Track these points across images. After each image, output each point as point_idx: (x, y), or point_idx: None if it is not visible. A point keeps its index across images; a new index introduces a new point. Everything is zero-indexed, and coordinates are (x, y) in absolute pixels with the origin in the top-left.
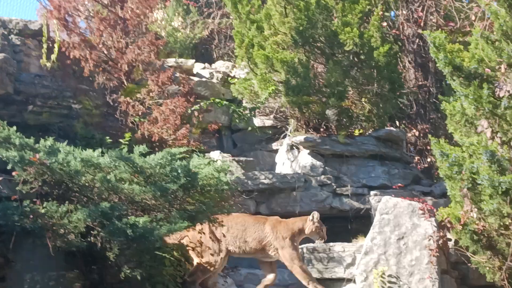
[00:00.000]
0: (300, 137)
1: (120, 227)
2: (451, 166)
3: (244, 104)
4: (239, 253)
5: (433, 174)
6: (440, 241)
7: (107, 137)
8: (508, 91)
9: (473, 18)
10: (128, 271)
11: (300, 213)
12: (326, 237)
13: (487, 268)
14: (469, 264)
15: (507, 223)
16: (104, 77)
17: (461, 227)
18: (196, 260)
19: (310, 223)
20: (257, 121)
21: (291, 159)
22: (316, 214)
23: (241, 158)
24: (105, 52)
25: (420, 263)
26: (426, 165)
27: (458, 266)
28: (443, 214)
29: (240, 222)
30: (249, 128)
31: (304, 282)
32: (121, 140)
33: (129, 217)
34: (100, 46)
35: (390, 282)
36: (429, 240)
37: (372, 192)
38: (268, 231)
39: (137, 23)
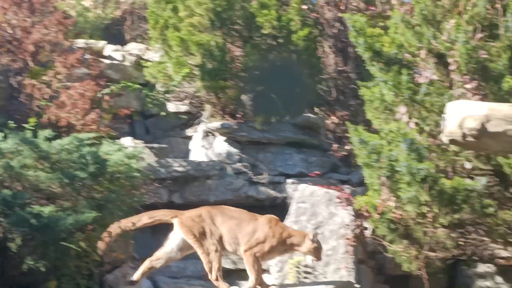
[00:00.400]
0: (216, 124)
1: (24, 217)
2: (369, 153)
3: (157, 89)
4: None
5: (351, 162)
6: (357, 230)
7: (11, 122)
8: (428, 78)
9: (394, 2)
10: (32, 263)
11: (215, 202)
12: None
13: (404, 257)
14: (385, 254)
15: (424, 211)
16: (8, 58)
17: (378, 216)
18: None
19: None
20: (171, 107)
21: (206, 146)
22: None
23: (154, 145)
24: (10, 31)
25: (337, 253)
26: (345, 153)
27: (375, 256)
28: (360, 203)
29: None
30: (163, 114)
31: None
32: (25, 125)
33: (33, 206)
34: (4, 25)
35: (305, 272)
36: (346, 229)
37: (289, 180)
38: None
39: (45, 1)
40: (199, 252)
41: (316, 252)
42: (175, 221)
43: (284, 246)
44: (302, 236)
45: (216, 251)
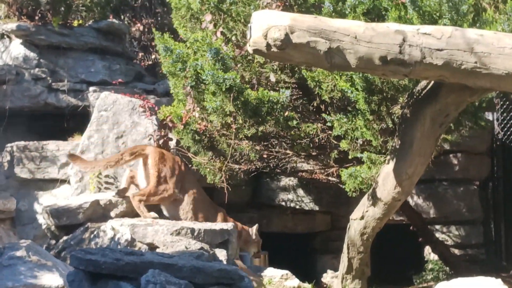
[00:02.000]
0: (12, 25)
1: None
2: (174, 62)
3: None
4: None
5: (157, 72)
6: (161, 141)
7: None
8: None
9: None
10: None
11: (10, 109)
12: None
13: (208, 169)
14: (190, 165)
15: (229, 122)
16: None
17: (182, 126)
18: None
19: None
20: None
21: (1, 49)
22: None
23: None
24: None
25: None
26: (150, 62)
27: None
28: (165, 113)
29: None
30: None
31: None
32: None
33: None
34: None
35: (107, 183)
36: (150, 139)
37: (91, 88)
38: None
39: None
40: None
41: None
42: None
43: None
44: None
45: None
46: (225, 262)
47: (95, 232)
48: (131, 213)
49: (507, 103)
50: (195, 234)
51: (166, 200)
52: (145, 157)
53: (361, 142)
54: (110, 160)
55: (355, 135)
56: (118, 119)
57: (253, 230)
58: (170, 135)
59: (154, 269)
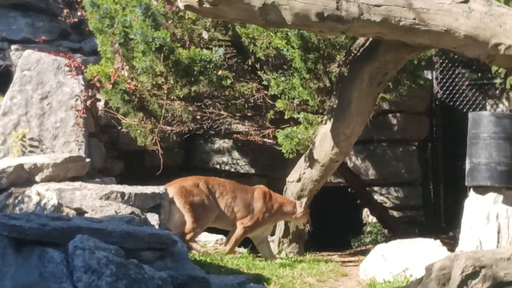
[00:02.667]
0: None
1: None
2: (102, 18)
3: None
4: None
5: (83, 30)
6: (89, 102)
7: None
8: None
9: None
10: None
11: None
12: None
13: (139, 131)
14: (120, 127)
15: (159, 82)
16: None
17: (111, 86)
18: None
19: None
20: None
21: None
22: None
23: None
24: None
25: (66, 125)
26: (76, 20)
27: (108, 130)
28: (92, 72)
29: None
30: None
31: None
32: None
33: None
34: None
35: (31, 146)
36: (76, 100)
37: (13, 47)
38: None
39: None
40: None
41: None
42: None
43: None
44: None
45: None
46: (157, 227)
47: (19, 198)
48: (57, 177)
49: (446, 61)
50: (126, 198)
51: None
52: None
53: (297, 102)
54: None
55: (291, 95)
56: (42, 79)
57: (302, 203)
58: (98, 96)
59: (82, 234)
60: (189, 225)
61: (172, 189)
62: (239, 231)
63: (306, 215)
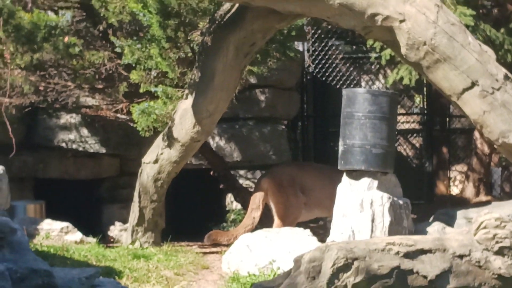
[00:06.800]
0: None
1: None
2: None
3: None
4: None
5: None
6: None
7: None
8: None
9: None
10: None
11: None
12: None
13: None
14: None
15: None
16: None
17: None
18: None
19: None
20: None
21: None
22: None
23: None
24: None
25: None
26: None
27: None
28: None
29: None
30: None
31: None
32: None
33: None
34: None
35: None
36: None
37: None
38: None
39: None
40: None
41: None
42: None
43: None
44: None
45: None
46: None
47: None
48: None
49: (319, 31)
50: None
51: None
52: None
53: (155, 74)
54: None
55: (148, 65)
56: None
57: None
58: None
59: None
60: None
61: None
62: None
63: None
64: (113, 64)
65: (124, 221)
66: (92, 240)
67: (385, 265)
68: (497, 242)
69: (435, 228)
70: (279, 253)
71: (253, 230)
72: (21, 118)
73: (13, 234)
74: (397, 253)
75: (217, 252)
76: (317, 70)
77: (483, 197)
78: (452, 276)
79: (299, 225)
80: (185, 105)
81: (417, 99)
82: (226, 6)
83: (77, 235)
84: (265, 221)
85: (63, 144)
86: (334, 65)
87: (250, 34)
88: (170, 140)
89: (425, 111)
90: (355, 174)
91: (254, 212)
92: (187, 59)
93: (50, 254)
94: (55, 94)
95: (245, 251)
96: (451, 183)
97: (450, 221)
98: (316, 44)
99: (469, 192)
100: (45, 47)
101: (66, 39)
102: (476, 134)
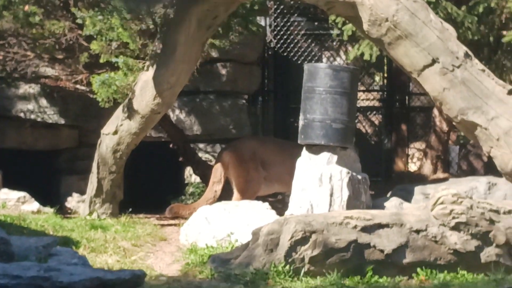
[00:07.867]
0: None
1: None
2: None
3: None
4: None
5: None
6: None
7: None
8: None
9: None
10: None
11: None
12: None
13: None
14: None
15: None
16: None
17: None
18: None
19: None
20: None
21: None
22: None
23: None
24: None
25: None
26: None
27: None
28: None
29: None
30: None
31: None
32: None
33: None
34: None
35: None
36: None
37: None
38: None
39: None
40: None
41: None
42: None
43: None
44: None
45: None
46: None
47: None
48: None
49: (282, 7)
50: None
51: None
52: None
53: (116, 45)
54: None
55: (109, 36)
56: None
57: None
58: None
59: None
60: None
61: None
62: None
63: None
64: (74, 34)
65: (82, 192)
66: (49, 210)
67: (343, 239)
68: (453, 218)
69: (392, 203)
70: (237, 225)
71: (214, 203)
72: None
73: None
74: (355, 227)
75: (175, 224)
76: (278, 45)
77: (440, 174)
78: (409, 251)
79: (257, 199)
80: (146, 76)
81: (377, 77)
82: None
83: (34, 205)
84: (223, 194)
85: (21, 114)
86: (295, 40)
87: (213, 7)
88: (130, 111)
89: (385, 89)
90: (314, 149)
91: (216, 185)
92: (148, 31)
93: (7, 224)
94: (14, 64)
95: (203, 223)
96: (409, 160)
97: (407, 197)
98: (278, 20)
99: (427, 169)
100: (5, 15)
101: (26, 8)
102: (435, 112)
